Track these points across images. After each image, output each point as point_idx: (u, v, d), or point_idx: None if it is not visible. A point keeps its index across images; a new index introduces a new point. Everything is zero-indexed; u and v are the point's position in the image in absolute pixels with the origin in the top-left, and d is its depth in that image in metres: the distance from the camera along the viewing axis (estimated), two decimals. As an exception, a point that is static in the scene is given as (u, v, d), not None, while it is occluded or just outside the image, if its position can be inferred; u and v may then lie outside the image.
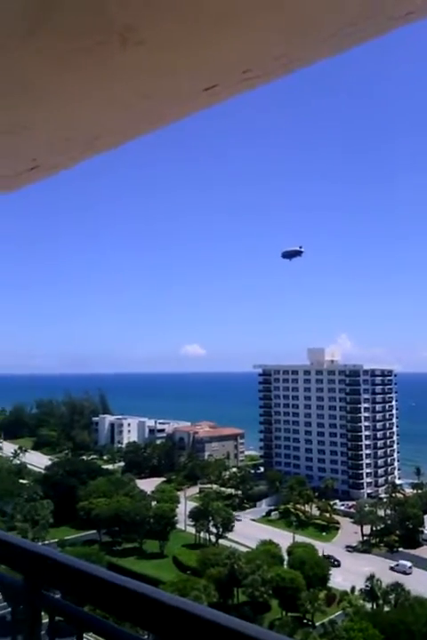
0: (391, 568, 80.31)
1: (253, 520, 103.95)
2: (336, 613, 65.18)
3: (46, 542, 78.28)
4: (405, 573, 78.00)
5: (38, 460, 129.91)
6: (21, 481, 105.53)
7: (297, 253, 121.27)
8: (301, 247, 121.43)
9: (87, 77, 1.88)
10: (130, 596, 1.93)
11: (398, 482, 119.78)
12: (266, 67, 1.77)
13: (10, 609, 2.50)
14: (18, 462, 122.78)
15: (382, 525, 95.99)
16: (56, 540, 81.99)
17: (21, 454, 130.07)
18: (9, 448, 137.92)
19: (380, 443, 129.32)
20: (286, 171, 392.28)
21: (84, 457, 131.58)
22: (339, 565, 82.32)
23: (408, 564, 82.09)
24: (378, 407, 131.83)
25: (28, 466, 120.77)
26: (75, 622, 2.16)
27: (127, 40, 1.65)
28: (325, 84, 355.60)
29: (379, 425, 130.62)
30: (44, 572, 2.36)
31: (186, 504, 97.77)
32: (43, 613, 2.38)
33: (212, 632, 1.70)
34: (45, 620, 2.33)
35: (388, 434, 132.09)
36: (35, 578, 2.36)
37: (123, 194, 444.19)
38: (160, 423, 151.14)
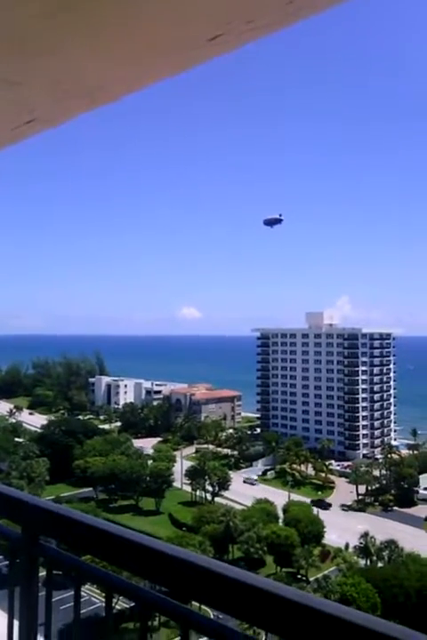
0: (244, 481, 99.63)
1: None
2: (330, 569, 65.67)
3: (42, 499, 78.61)
4: (252, 485, 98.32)
5: (34, 420, 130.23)
6: (17, 439, 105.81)
7: (277, 221, 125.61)
8: (280, 215, 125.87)
9: (87, 27, 1.84)
10: (128, 546, 2.02)
11: (394, 443, 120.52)
12: (271, 15, 1.73)
13: (6, 562, 2.56)
14: (13, 421, 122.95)
15: (378, 485, 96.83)
16: (52, 496, 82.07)
17: (17, 413, 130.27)
18: (4, 407, 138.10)
19: (377, 405, 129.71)
20: (285, 135, 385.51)
21: (81, 417, 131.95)
22: (330, 507, 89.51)
23: (254, 477, 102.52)
24: (376, 370, 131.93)
25: (24, 425, 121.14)
26: (73, 572, 2.26)
27: None
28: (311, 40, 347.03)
29: (376, 387, 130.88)
30: (42, 523, 2.40)
31: (182, 463, 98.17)
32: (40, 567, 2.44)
33: (208, 579, 1.76)
34: (43, 573, 2.40)
35: (385, 396, 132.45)
36: (33, 529, 2.41)
37: (116, 157, 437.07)
38: (157, 385, 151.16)
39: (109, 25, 1.81)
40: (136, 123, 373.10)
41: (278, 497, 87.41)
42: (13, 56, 2.01)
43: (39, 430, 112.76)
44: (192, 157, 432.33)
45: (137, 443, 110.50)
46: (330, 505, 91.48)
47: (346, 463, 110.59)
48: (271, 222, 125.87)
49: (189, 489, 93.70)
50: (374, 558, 67.81)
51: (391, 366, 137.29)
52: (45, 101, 2.40)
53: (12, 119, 2.55)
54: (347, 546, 70.83)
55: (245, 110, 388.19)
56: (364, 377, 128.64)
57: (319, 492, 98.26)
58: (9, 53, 1.99)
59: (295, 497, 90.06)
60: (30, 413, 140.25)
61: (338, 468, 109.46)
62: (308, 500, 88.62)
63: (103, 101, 2.38)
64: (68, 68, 2.10)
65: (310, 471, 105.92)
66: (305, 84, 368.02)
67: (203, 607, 2.58)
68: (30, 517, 2.43)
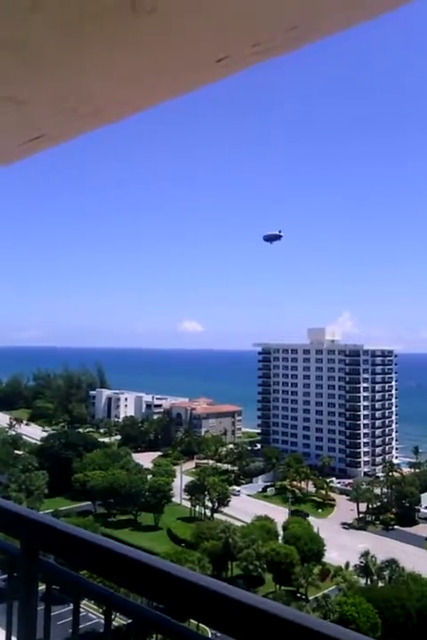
0: (231, 493, 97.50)
1: (249, 495, 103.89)
2: (330, 588, 65.03)
3: (41, 512, 78.06)
4: (235, 495, 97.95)
5: (34, 432, 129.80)
6: (17, 452, 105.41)
7: (277, 237, 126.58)
8: (280, 231, 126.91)
9: (95, 46, 1.85)
10: (126, 563, 2.00)
11: (395, 461, 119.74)
12: (275, 39, 1.76)
13: (5, 576, 2.54)
14: (13, 433, 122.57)
15: (379, 503, 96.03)
16: (51, 510, 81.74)
17: (17, 425, 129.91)
18: (4, 419, 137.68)
19: (378, 422, 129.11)
20: (287, 152, 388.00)
21: (81, 430, 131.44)
22: (308, 516, 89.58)
23: (237, 488, 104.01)
24: (378, 387, 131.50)
25: (24, 437, 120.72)
26: (71, 588, 2.25)
27: (138, 7, 1.62)
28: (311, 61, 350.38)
29: (378, 405, 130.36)
30: (41, 538, 2.40)
31: (182, 478, 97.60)
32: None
33: (206, 598, 1.75)
34: (42, 587, 2.38)
35: (386, 413, 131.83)
36: (32, 544, 2.40)
37: (120, 167, 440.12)
38: (157, 398, 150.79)
39: (116, 44, 1.81)
40: (137, 136, 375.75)
41: (279, 514, 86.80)
42: (20, 74, 2.02)
43: (39, 443, 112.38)
44: (195, 172, 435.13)
45: (137, 457, 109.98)
46: (308, 514, 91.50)
47: (347, 480, 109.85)
48: (271, 238, 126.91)
49: (188, 504, 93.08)
50: (375, 578, 67.11)
51: (393, 383, 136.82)
52: (52, 119, 2.41)
53: (19, 136, 2.56)
54: (347, 565, 70.06)
55: (250, 128, 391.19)
56: (365, 394, 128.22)
57: (320, 510, 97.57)
58: (15, 72, 2.00)
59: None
60: (27, 424, 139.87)
61: (339, 485, 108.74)
62: (309, 519, 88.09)
63: (110, 120, 2.38)
64: (75, 86, 2.10)
65: (311, 488, 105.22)
66: (304, 100, 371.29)
67: (201, 626, 2.55)
68: (29, 532, 2.41)
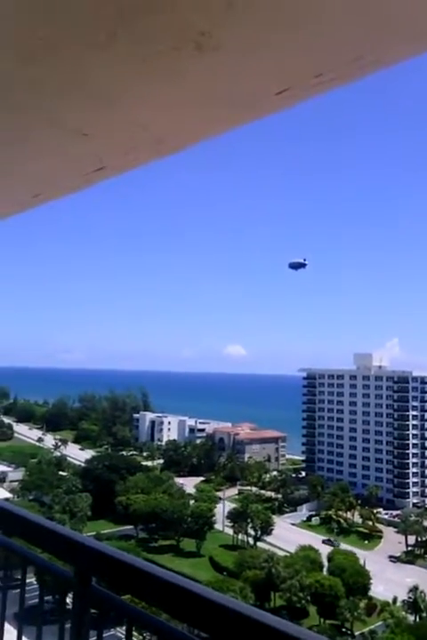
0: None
1: (293, 524, 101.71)
2: (376, 624, 62.73)
3: (84, 534, 78.60)
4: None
5: (78, 454, 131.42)
6: (61, 473, 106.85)
7: (302, 265, 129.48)
8: (305, 259, 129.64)
9: (159, 82, 1.91)
10: (173, 591, 2.00)
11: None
12: (339, 70, 1.78)
13: (55, 598, 2.62)
14: (58, 454, 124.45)
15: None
16: (93, 532, 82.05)
17: (62, 446, 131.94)
18: (50, 440, 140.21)
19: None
20: (335, 180, 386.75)
21: (124, 452, 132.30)
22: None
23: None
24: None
25: (69, 458, 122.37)
26: (122, 615, 2.28)
27: (203, 45, 1.67)
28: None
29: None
30: (95, 565, 2.44)
31: (224, 505, 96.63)
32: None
33: (252, 628, 1.71)
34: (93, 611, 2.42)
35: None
36: (86, 570, 2.44)
37: (164, 197, 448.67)
38: (200, 423, 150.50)
39: (178, 78, 1.86)
40: (189, 161, 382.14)
41: (323, 544, 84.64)
42: (86, 109, 2.12)
43: (83, 464, 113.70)
44: (242, 196, 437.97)
45: (179, 481, 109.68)
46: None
47: (395, 512, 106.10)
48: (296, 266, 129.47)
49: (230, 531, 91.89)
50: (424, 614, 64.34)
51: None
52: (113, 152, 2.53)
53: (83, 167, 2.70)
54: (395, 600, 67.43)
55: (294, 156, 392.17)
56: (414, 422, 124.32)
57: (366, 542, 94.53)
58: (82, 107, 2.10)
59: (341, 546, 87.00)
60: (81, 448, 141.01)
61: (386, 516, 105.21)
62: (355, 551, 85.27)
63: (168, 151, 2.46)
64: (136, 119, 2.17)
65: (357, 519, 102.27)
66: (343, 132, 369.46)
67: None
68: (83, 558, 2.46)
